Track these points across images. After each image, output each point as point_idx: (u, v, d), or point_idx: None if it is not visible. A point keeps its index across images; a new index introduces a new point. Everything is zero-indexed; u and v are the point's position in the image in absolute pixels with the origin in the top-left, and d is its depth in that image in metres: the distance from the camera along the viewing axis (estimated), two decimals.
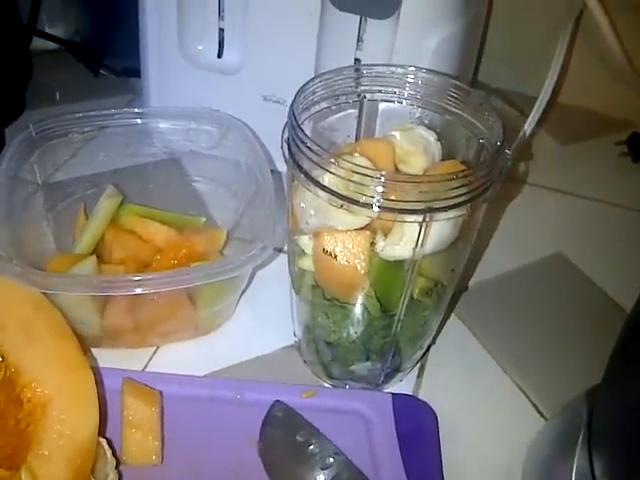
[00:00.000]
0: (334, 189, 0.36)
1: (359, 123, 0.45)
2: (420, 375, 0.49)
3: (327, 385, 0.47)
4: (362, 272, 0.39)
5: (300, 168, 0.37)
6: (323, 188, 0.36)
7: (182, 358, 0.48)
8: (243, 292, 0.52)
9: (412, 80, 0.44)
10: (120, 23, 0.70)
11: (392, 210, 0.35)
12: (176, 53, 0.61)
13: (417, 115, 0.44)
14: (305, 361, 0.48)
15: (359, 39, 0.55)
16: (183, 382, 0.45)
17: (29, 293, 0.40)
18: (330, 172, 0.35)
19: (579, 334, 0.52)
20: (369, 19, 0.53)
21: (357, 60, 0.56)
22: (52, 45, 0.74)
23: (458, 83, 0.43)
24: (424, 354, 0.49)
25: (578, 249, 0.60)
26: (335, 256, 0.38)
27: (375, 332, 0.43)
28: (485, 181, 0.37)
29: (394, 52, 0.54)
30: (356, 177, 0.35)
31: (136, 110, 0.56)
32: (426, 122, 0.44)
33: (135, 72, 0.67)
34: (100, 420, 0.38)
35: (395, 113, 0.45)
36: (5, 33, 0.64)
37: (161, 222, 0.54)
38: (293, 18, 0.56)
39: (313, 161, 0.36)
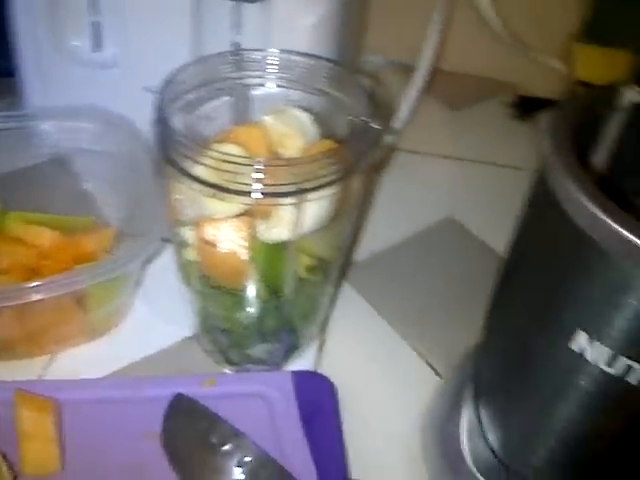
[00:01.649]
0: (205, 179, 0.36)
1: (235, 110, 0.45)
2: (320, 350, 0.50)
3: (228, 372, 0.47)
4: (245, 258, 0.39)
5: (170, 161, 0.37)
6: (194, 179, 0.36)
7: (80, 362, 0.48)
8: (138, 287, 0.51)
9: (285, 63, 0.44)
10: None
11: (265, 195, 0.36)
12: (52, 50, 0.58)
13: (293, 98, 0.45)
14: (205, 350, 0.48)
15: (236, 24, 0.55)
16: (80, 386, 0.45)
17: None
18: (199, 163, 0.35)
19: (472, 294, 0.53)
20: (243, 3, 0.53)
21: (236, 44, 0.55)
22: None
23: (328, 63, 0.43)
24: (323, 329, 0.50)
25: (469, 212, 0.62)
26: (216, 245, 0.38)
27: (267, 314, 0.43)
28: (354, 156, 0.37)
29: (272, 34, 0.54)
30: (225, 166, 0.35)
31: (13, 113, 0.54)
32: (304, 104, 0.44)
33: (12, 72, 0.65)
34: None
35: (271, 97, 0.45)
36: None
37: (49, 226, 0.52)
38: (168, 6, 0.55)
39: (182, 153, 0.36)
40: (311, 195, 0.36)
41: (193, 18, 0.54)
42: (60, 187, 0.58)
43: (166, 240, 0.46)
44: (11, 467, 0.38)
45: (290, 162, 0.36)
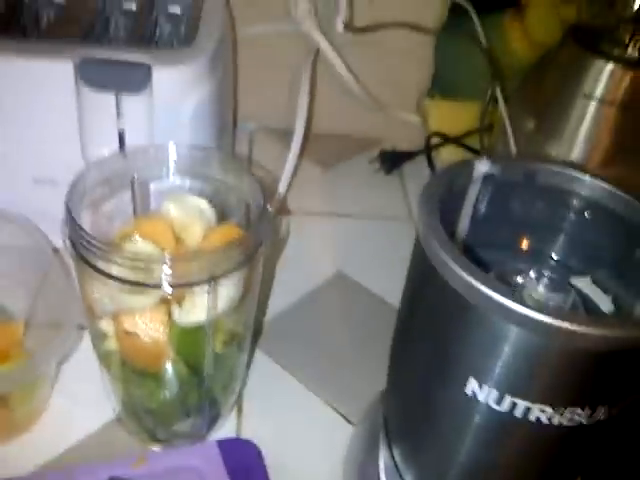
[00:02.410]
0: (120, 276, 0.39)
1: (134, 205, 0.48)
2: (239, 416, 0.53)
3: (155, 449, 0.49)
4: (164, 343, 0.42)
5: (84, 260, 0.40)
6: (109, 277, 0.39)
7: (7, 458, 0.48)
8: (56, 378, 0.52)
9: (176, 155, 0.47)
10: None
11: (180, 285, 0.39)
12: None
13: (187, 186, 0.48)
14: (129, 432, 0.50)
15: (119, 113, 0.57)
16: None
17: None
18: (112, 262, 0.38)
19: (370, 341, 0.59)
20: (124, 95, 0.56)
21: (121, 133, 0.58)
22: None
23: (220, 154, 0.47)
24: (240, 395, 0.53)
25: (355, 265, 0.68)
26: (136, 334, 0.41)
27: (189, 391, 0.46)
28: (256, 239, 0.42)
29: (155, 122, 0.57)
30: (138, 263, 0.38)
31: None
32: (199, 192, 0.48)
33: None
34: None
35: (167, 189, 0.48)
36: None
37: None
38: (52, 102, 0.57)
39: (94, 253, 0.39)
40: (222, 281, 0.40)
41: (78, 109, 0.57)
42: None
43: (81, 328, 0.47)
44: None
45: (199, 254, 0.40)
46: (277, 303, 0.62)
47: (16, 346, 0.53)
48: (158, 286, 0.39)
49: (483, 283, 0.30)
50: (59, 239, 0.45)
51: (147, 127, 0.57)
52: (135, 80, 0.55)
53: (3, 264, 0.57)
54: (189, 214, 0.46)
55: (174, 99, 0.57)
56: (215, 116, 0.62)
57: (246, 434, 0.51)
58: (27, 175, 0.61)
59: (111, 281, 0.39)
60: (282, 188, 0.71)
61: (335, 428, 0.53)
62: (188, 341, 0.43)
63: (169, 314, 0.42)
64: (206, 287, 0.40)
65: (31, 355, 0.47)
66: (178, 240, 0.45)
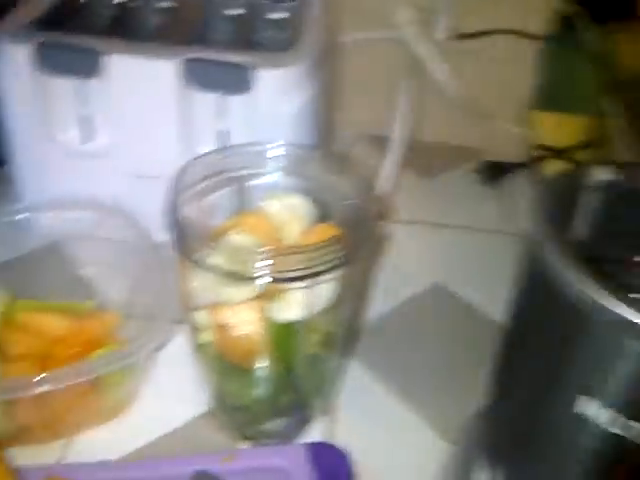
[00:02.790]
0: (220, 268, 0.39)
1: (239, 200, 0.48)
2: (331, 421, 0.52)
3: (244, 447, 0.49)
4: (259, 338, 0.42)
5: (186, 251, 0.40)
6: (209, 269, 0.39)
7: (97, 445, 0.49)
8: (150, 368, 0.53)
9: (281, 154, 0.48)
10: None
11: (277, 280, 0.39)
12: (43, 142, 0.61)
13: (289, 184, 0.48)
14: (220, 427, 0.50)
15: (222, 113, 0.58)
16: (99, 469, 0.46)
17: None
18: (214, 253, 0.38)
19: (467, 355, 0.57)
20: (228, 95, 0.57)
21: (224, 133, 0.59)
22: None
23: (321, 153, 0.47)
24: (333, 400, 0.52)
25: (454, 277, 0.66)
26: (231, 328, 0.41)
27: (280, 390, 0.45)
28: (356, 240, 0.41)
29: (257, 121, 0.58)
30: (239, 255, 0.38)
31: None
32: (298, 190, 0.48)
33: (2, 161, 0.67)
34: None
35: (268, 187, 0.48)
36: None
37: (54, 312, 0.54)
38: (154, 100, 0.58)
39: (196, 244, 0.39)
40: (321, 278, 0.39)
41: (180, 108, 0.58)
42: (57, 274, 0.60)
43: (177, 322, 0.48)
44: None
45: (300, 249, 0.39)
46: (374, 310, 0.61)
47: (111, 335, 0.54)
48: (256, 279, 0.38)
49: (613, 299, 0.28)
50: (158, 234, 0.46)
51: (249, 128, 0.58)
52: (239, 81, 0.56)
53: (105, 256, 0.59)
54: (289, 212, 0.46)
55: (276, 101, 0.57)
56: (315, 120, 0.62)
57: (336, 440, 0.50)
58: (130, 171, 0.62)
59: (210, 273, 0.39)
60: (381, 194, 0.70)
61: (428, 443, 0.51)
62: (282, 339, 0.43)
63: (265, 310, 0.42)
64: (304, 284, 0.39)
65: (125, 345, 0.48)
66: (275, 238, 0.45)
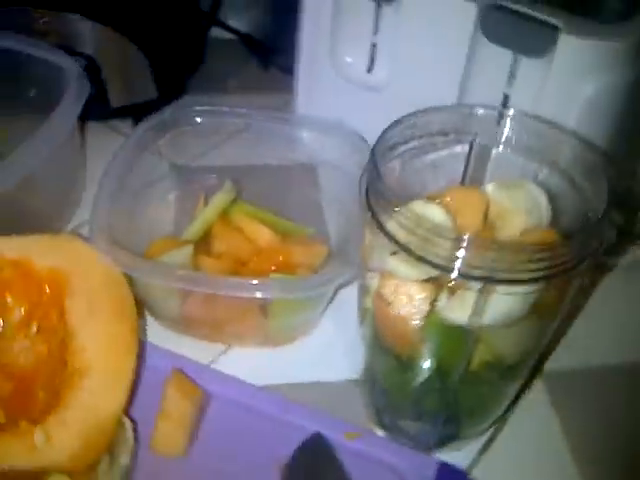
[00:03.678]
0: (394, 237, 0.33)
1: (466, 166, 0.42)
2: (484, 450, 0.44)
3: (377, 432, 0.44)
4: (416, 327, 0.36)
5: (369, 208, 0.35)
6: (383, 231, 0.34)
7: (249, 363, 0.48)
8: (327, 309, 0.51)
9: (532, 131, 0.39)
10: (295, 23, 0.71)
11: (446, 269, 0.32)
12: (326, 62, 0.60)
13: (532, 170, 0.40)
14: (364, 401, 0.46)
15: (511, 75, 0.51)
16: (235, 387, 0.45)
17: (104, 266, 0.43)
18: (393, 219, 0.33)
19: None
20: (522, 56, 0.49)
21: (506, 96, 0.52)
22: (229, 36, 0.78)
23: (577, 140, 0.38)
24: (496, 428, 0.45)
25: None
26: (389, 303, 0.36)
27: (428, 393, 0.39)
28: (571, 258, 0.32)
29: (544, 94, 0.49)
30: (422, 230, 0.32)
31: (279, 115, 0.57)
32: (539, 179, 0.40)
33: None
34: (131, 402, 0.39)
35: (508, 163, 0.41)
36: (183, 18, 0.69)
37: (269, 225, 0.54)
38: (444, 42, 0.53)
39: (381, 204, 0.34)
40: (501, 287, 0.32)
41: (469, 57, 0.52)
42: (296, 193, 0.60)
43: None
44: (137, 438, 0.40)
45: (486, 245, 0.32)
46: (600, 349, 0.51)
47: (312, 267, 0.52)
48: (428, 262, 0.32)
49: None
50: None
51: (534, 97, 0.49)
52: (537, 41, 0.47)
53: (343, 188, 0.57)
54: (515, 203, 0.38)
55: (574, 75, 0.48)
56: (615, 113, 0.51)
57: (478, 472, 0.43)
58: (400, 111, 0.58)
59: (384, 239, 0.34)
60: None
61: None
62: (442, 339, 0.36)
63: (433, 300, 0.35)
64: (476, 285, 0.32)
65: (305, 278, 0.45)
66: (490, 225, 0.38)
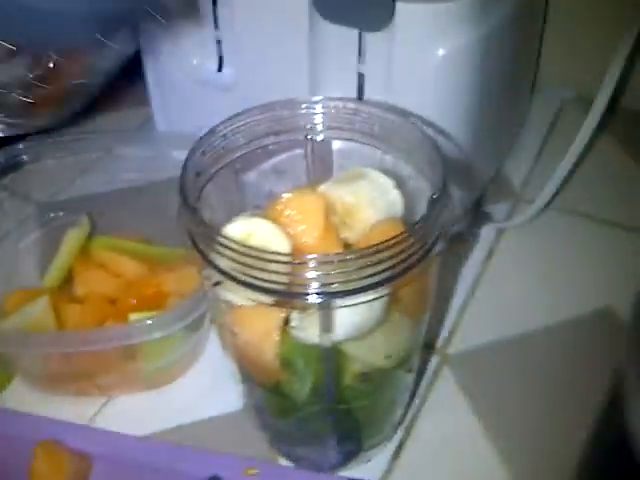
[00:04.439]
0: (217, 266, 0.29)
1: (307, 165, 0.38)
2: (395, 457, 0.41)
3: (280, 460, 0.41)
4: (269, 353, 0.32)
5: (192, 237, 0.31)
6: (210, 265, 0.30)
7: (132, 412, 0.44)
8: (203, 343, 0.47)
9: (367, 116, 0.36)
10: None
11: (277, 293, 0.28)
12: (173, 67, 0.56)
13: (377, 156, 0.37)
14: (255, 428, 0.42)
15: (360, 52, 0.47)
16: (116, 443, 0.41)
17: None
18: (214, 250, 0.29)
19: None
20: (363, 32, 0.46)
21: (360, 75, 0.48)
22: None
23: (408, 120, 0.34)
24: (406, 427, 0.42)
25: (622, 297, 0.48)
26: (235, 334, 0.32)
27: (311, 418, 0.36)
28: (409, 254, 0.29)
29: (397, 67, 0.46)
30: (241, 257, 0.28)
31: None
32: (386, 167, 0.37)
33: None
34: None
35: (351, 154, 0.37)
36: None
37: (136, 255, 0.50)
38: (284, 28, 0.49)
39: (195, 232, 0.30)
40: (342, 300, 0.29)
41: (311, 42, 0.48)
42: (166, 212, 0.56)
43: None
44: None
45: (313, 260, 0.28)
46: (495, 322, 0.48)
47: (190, 292, 0.48)
48: (255, 288, 0.29)
49: None
50: None
51: (386, 74, 0.46)
52: (375, 14, 0.44)
53: None
54: (362, 195, 0.34)
55: (421, 43, 0.45)
56: (475, 77, 0.48)
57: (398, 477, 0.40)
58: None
59: (210, 271, 0.30)
60: (562, 171, 0.53)
61: None
62: (302, 360, 0.33)
63: (282, 322, 0.32)
64: (315, 302, 0.29)
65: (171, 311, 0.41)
66: (334, 226, 0.34)
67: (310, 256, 0.28)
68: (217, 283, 0.29)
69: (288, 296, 0.28)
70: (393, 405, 0.39)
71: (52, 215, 0.53)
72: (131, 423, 0.43)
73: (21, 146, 0.50)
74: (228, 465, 0.39)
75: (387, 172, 0.36)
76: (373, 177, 0.35)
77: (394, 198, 0.35)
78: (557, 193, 0.54)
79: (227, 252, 0.28)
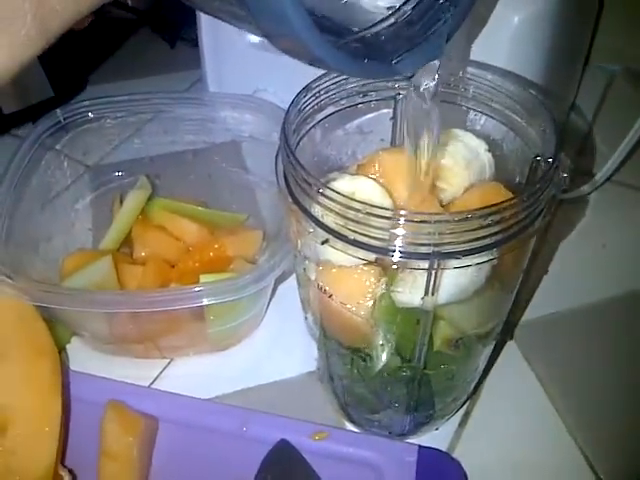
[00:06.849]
0: (322, 222, 0.29)
1: (394, 126, 0.37)
2: (462, 425, 0.41)
3: (346, 425, 0.41)
4: (364, 316, 0.32)
5: (289, 193, 0.30)
6: (309, 218, 0.29)
7: (194, 375, 0.44)
8: (267, 305, 0.46)
9: (460, 76, 0.35)
10: None
11: (386, 252, 0.28)
12: (230, 28, 0.55)
13: (469, 118, 0.36)
14: (326, 393, 0.42)
15: None
16: (183, 405, 0.41)
17: (14, 302, 0.37)
18: (317, 203, 0.28)
19: None
20: None
21: None
22: (130, 16, 0.71)
23: (516, 85, 0.33)
24: (472, 398, 0.41)
25: None
26: (330, 295, 0.32)
27: (393, 381, 0.35)
28: (521, 217, 0.28)
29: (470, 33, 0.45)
30: (347, 212, 0.27)
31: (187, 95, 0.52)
32: (477, 128, 0.36)
33: None
34: (64, 450, 0.34)
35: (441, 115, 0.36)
36: None
37: (195, 218, 0.49)
38: None
39: (300, 187, 0.29)
40: (452, 262, 0.28)
41: None
42: (221, 177, 0.55)
43: None
44: None
45: (428, 218, 0.27)
46: (561, 297, 0.48)
47: (249, 257, 0.48)
48: (362, 245, 0.28)
49: None
50: None
51: (463, 36, 0.45)
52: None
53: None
54: (457, 157, 0.34)
55: (496, 12, 0.44)
56: (545, 45, 0.47)
57: (460, 451, 0.40)
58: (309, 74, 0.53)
59: (311, 226, 0.29)
60: (622, 148, 0.52)
61: (573, 474, 0.38)
62: (397, 324, 0.32)
63: (380, 284, 0.31)
64: (424, 265, 0.28)
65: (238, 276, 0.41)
66: (427, 186, 0.33)
67: (428, 213, 0.27)
68: (325, 241, 0.29)
69: (404, 256, 0.27)
70: (472, 374, 0.38)
71: (108, 177, 0.52)
72: (194, 386, 0.42)
73: (79, 105, 0.49)
74: (297, 429, 0.39)
75: (477, 134, 0.35)
76: (467, 140, 0.34)
77: (486, 161, 0.34)
78: (617, 169, 0.53)
79: (335, 207, 0.27)
